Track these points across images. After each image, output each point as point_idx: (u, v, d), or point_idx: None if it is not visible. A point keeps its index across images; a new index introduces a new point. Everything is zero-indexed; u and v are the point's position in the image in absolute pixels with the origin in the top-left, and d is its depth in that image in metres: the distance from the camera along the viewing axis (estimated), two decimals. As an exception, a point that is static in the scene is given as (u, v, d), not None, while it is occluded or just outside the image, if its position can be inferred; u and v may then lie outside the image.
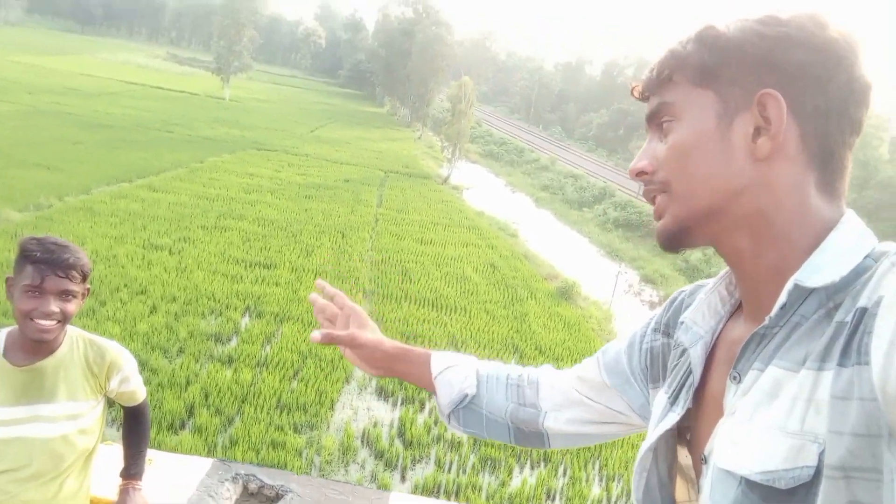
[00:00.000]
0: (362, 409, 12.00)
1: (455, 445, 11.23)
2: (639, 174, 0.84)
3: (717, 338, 0.87)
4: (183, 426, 10.32)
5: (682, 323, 0.91)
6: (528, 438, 1.16)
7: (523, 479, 10.75)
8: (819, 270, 0.71)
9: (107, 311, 13.05)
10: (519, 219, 32.71)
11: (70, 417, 1.82)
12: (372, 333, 1.19)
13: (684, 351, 0.89)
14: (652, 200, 0.84)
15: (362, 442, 11.03)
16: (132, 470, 1.98)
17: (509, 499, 10.13)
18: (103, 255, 16.00)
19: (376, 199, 29.03)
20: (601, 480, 11.21)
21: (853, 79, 0.75)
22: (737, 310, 0.87)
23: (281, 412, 11.00)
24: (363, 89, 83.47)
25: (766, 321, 0.73)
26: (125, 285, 14.58)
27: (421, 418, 11.88)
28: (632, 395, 1.04)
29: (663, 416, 0.89)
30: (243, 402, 11.11)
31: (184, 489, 2.05)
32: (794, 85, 0.74)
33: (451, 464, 10.80)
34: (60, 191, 20.75)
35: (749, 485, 0.69)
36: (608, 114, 68.97)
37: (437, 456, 10.91)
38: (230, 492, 2.10)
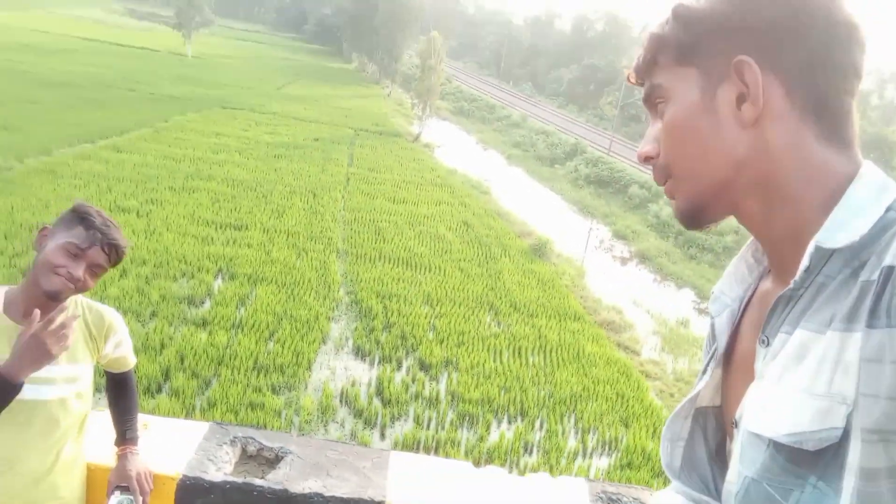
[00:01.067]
0: (340, 368, 12.04)
1: (433, 402, 11.35)
2: (646, 159, 0.84)
3: (748, 304, 0.86)
4: (160, 389, 10.26)
5: (712, 293, 0.91)
6: None
7: (501, 433, 10.93)
8: (840, 229, 0.69)
9: (75, 275, 12.82)
10: (491, 176, 32.64)
11: (68, 380, 1.77)
12: None
13: (712, 321, 0.90)
14: (662, 182, 0.84)
15: (341, 401, 11.08)
16: (128, 435, 1.94)
17: (488, 453, 10.30)
18: (69, 219, 15.62)
19: (347, 157, 28.69)
20: (577, 433, 11.44)
21: (833, 24, 0.73)
22: (765, 275, 0.87)
23: (258, 374, 10.98)
24: (330, 45, 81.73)
25: (791, 284, 0.72)
26: (93, 249, 14.28)
27: (398, 377, 11.96)
28: None
29: (695, 385, 0.89)
30: (219, 364, 11.06)
31: (182, 454, 2.02)
32: (769, 43, 0.73)
33: (429, 420, 10.92)
34: (19, 152, 20.09)
35: (777, 447, 0.69)
36: (578, 69, 68.57)
37: (415, 413, 11.01)
38: (229, 455, 2.07)
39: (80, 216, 1.73)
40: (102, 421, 1.98)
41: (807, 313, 0.70)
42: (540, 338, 14.32)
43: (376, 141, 33.82)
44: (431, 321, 14.14)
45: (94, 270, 1.73)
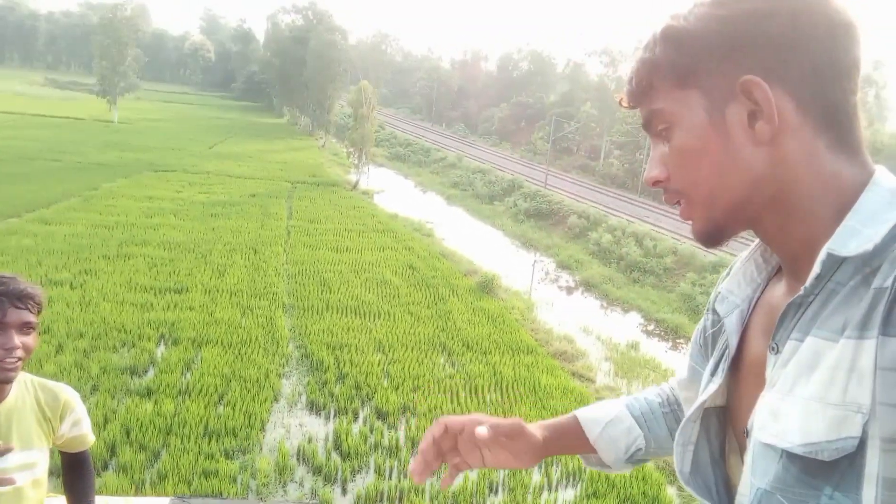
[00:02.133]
0: (294, 426, 11.71)
1: (393, 451, 11.12)
2: (655, 183, 0.83)
3: (756, 305, 0.86)
4: (106, 467, 9.76)
5: (719, 293, 0.90)
6: None
7: (465, 475, 10.75)
8: (852, 236, 0.68)
9: (7, 355, 12.19)
10: (433, 218, 32.81)
11: (23, 468, 1.66)
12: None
13: (721, 321, 0.88)
14: (675, 203, 0.82)
15: (298, 459, 10.75)
16: None
17: (453, 497, 10.12)
18: (-3, 297, 14.94)
19: (286, 211, 28.44)
20: (541, 467, 11.35)
21: (832, 26, 0.72)
22: (775, 275, 0.86)
23: (209, 439, 10.58)
24: (259, 100, 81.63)
25: (801, 291, 0.71)
26: (25, 326, 13.66)
27: (356, 428, 11.70)
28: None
29: (704, 387, 0.87)
30: (168, 433, 10.62)
31: None
32: (772, 59, 0.72)
33: (391, 470, 10.69)
34: (-60, 233, 19.24)
35: (790, 458, 0.67)
36: (508, 107, 70.13)
37: (376, 464, 10.77)
38: None
39: None
40: None
41: (817, 320, 0.69)
42: (495, 374, 14.28)
43: (315, 192, 33.67)
44: (385, 368, 13.95)
45: (25, 329, 1.63)
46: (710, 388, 0.85)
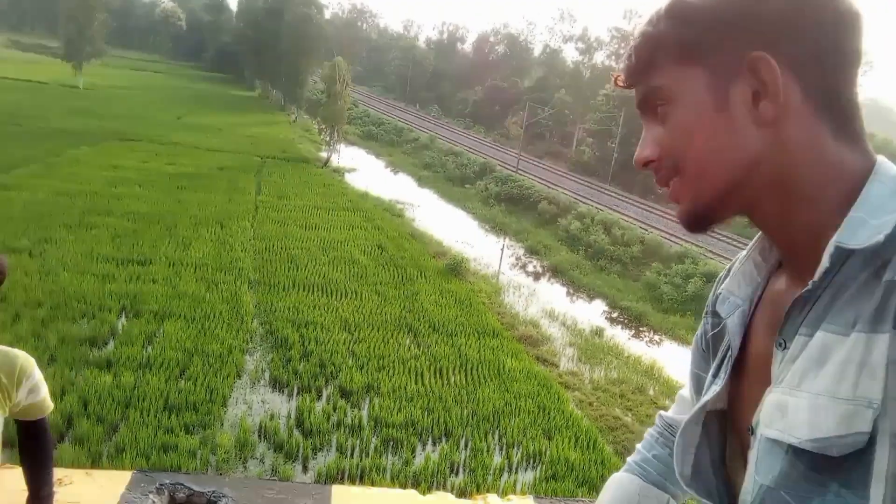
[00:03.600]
0: (257, 402, 11.65)
1: (356, 430, 11.14)
2: (646, 164, 0.79)
3: (758, 303, 0.84)
4: (62, 438, 9.60)
5: (719, 295, 0.88)
6: None
7: (426, 455, 10.82)
8: (860, 227, 0.67)
9: (-39, 323, 11.90)
10: (403, 198, 32.69)
11: None
12: None
13: (722, 323, 0.86)
14: (665, 185, 0.79)
15: (260, 436, 10.71)
16: (42, 492, 1.75)
17: (414, 476, 10.17)
18: (-49, 263, 14.54)
19: (255, 186, 28.08)
20: (501, 449, 11.48)
21: (839, 12, 0.71)
22: (774, 273, 0.84)
23: (170, 414, 10.48)
24: (230, 72, 79.97)
25: (809, 285, 0.69)
26: (-20, 294, 13.33)
27: (319, 406, 11.68)
28: None
29: (707, 388, 0.85)
30: (127, 406, 10.50)
31: None
32: (780, 38, 0.70)
33: (352, 448, 10.70)
34: None
35: (797, 453, 0.66)
36: (483, 90, 69.89)
37: (338, 442, 10.78)
38: None
39: None
40: (14, 478, 1.79)
41: (827, 315, 0.68)
42: (460, 356, 14.35)
43: (284, 168, 33.29)
44: (350, 347, 13.92)
45: None
46: (712, 389, 0.84)
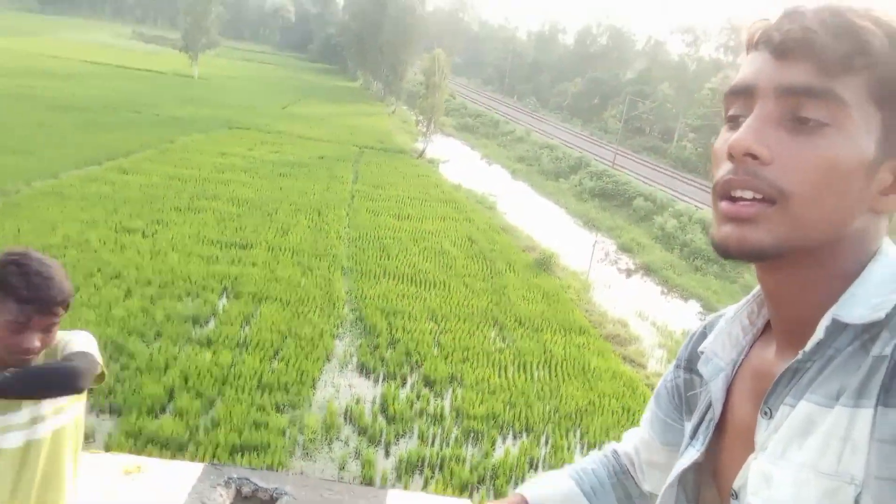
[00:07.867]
0: (344, 386, 12.02)
1: (438, 419, 11.30)
2: (745, 154, 0.66)
3: (739, 367, 0.82)
4: (164, 410, 10.26)
5: (701, 353, 0.86)
6: None
7: (506, 449, 10.86)
8: (859, 303, 0.66)
9: (81, 297, 12.85)
10: (496, 191, 32.67)
11: (57, 411, 1.74)
12: None
13: (704, 383, 0.85)
14: (745, 188, 0.67)
15: (345, 419, 11.05)
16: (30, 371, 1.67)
17: (493, 469, 10.24)
18: (75, 241, 15.74)
19: (352, 175, 28.80)
20: (582, 448, 11.36)
21: None
22: (759, 338, 0.83)
23: (262, 392, 10.98)
24: (335, 63, 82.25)
25: (800, 355, 0.69)
26: (98, 270, 14.37)
27: (403, 393, 11.93)
28: (679, 437, 0.95)
29: (683, 451, 0.86)
30: (224, 383, 11.07)
31: (175, 496, 1.99)
32: None
33: (434, 437, 10.88)
34: (28, 175, 20.30)
35: None
36: (582, 83, 68.72)
37: (420, 430, 10.98)
38: (223, 497, 2.05)
39: (5, 288, 1.58)
40: (103, 462, 1.94)
41: (812, 385, 0.67)
42: (545, 352, 14.27)
43: (381, 158, 33.95)
44: (436, 337, 14.12)
45: (49, 328, 1.65)
46: (689, 453, 0.84)
